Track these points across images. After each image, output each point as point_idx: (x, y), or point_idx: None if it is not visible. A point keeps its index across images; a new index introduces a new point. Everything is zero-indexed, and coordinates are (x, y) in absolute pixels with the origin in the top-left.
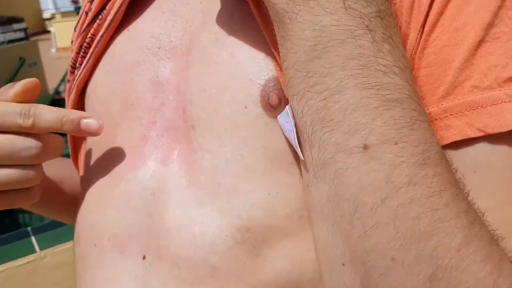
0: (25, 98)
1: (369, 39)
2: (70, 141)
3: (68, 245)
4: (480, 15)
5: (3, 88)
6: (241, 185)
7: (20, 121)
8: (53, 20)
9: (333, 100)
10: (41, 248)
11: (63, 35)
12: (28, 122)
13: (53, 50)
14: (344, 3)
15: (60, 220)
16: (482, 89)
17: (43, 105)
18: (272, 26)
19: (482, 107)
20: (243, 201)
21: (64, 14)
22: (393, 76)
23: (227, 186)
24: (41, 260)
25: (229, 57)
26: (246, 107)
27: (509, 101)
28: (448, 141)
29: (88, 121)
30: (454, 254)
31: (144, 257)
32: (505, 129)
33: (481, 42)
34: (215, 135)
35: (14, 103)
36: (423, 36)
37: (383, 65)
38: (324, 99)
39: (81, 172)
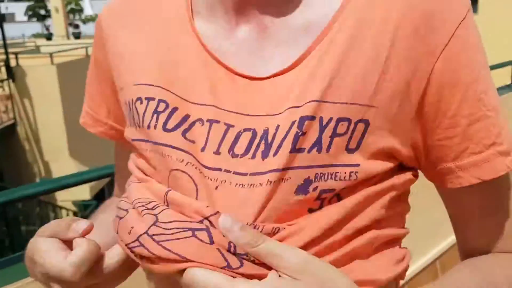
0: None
1: None
2: None
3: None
4: (464, 108)
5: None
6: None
7: None
8: None
9: None
10: None
11: None
12: None
13: None
14: None
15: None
16: (477, 153)
17: None
18: None
19: (478, 165)
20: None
21: None
22: None
23: None
24: None
25: None
26: None
27: (493, 159)
28: (460, 186)
29: None
30: None
31: None
32: (496, 175)
33: (469, 125)
34: None
35: None
36: (428, 131)
37: None
38: None
39: None
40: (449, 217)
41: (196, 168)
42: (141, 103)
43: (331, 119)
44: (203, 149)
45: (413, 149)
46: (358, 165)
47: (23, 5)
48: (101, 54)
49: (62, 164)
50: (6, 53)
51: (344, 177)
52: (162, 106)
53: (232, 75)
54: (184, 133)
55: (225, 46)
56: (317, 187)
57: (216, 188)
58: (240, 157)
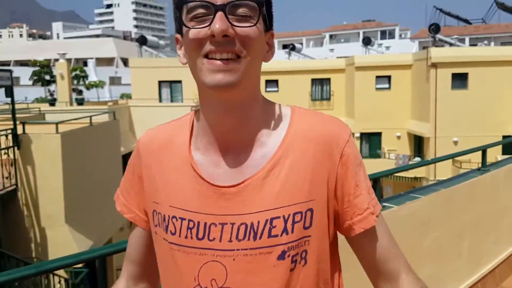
0: None
1: None
2: None
3: None
4: (351, 189)
5: None
6: None
7: None
8: None
9: None
10: None
11: None
12: None
13: None
14: None
15: None
16: (359, 214)
17: None
18: None
19: (361, 221)
20: None
21: None
22: None
23: None
24: None
25: None
26: None
27: (368, 217)
28: (355, 234)
29: None
30: None
31: None
32: (371, 225)
33: (354, 199)
34: None
35: None
36: (339, 204)
37: None
38: None
39: None
40: (357, 255)
41: (220, 256)
42: (176, 220)
43: (289, 214)
44: (220, 240)
45: (334, 217)
46: (310, 236)
47: (28, 70)
48: (137, 163)
49: (57, 230)
50: (14, 122)
51: (302, 244)
52: (191, 224)
53: (223, 190)
54: (209, 237)
55: (216, 172)
56: (289, 254)
57: (234, 259)
58: (242, 240)
